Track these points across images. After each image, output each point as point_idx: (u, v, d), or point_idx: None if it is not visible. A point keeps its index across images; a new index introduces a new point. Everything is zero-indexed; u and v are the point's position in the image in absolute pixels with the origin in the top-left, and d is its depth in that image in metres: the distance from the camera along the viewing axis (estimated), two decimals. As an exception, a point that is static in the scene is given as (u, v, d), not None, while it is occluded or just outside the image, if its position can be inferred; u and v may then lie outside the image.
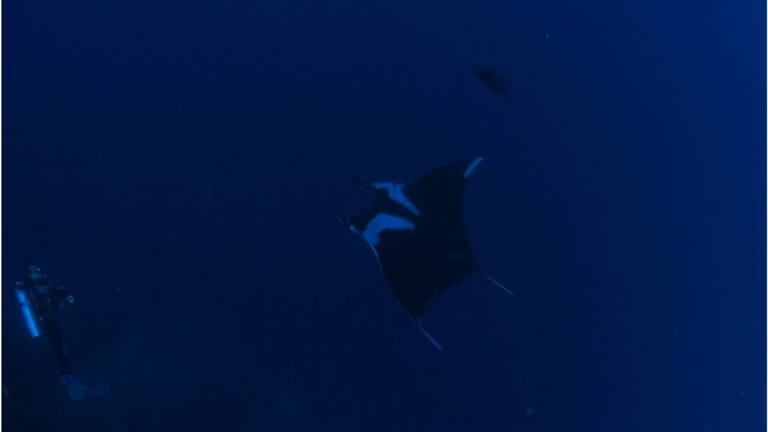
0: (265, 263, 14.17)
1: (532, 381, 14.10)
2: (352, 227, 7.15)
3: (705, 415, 15.41)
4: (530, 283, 13.64)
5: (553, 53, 18.62)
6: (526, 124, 17.21)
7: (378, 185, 7.38)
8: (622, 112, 19.04)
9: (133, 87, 16.43)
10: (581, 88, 18.63)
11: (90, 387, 9.47)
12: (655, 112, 19.66)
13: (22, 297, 8.91)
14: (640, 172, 18.20)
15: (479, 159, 7.42)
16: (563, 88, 18.28)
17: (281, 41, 17.88)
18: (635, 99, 19.49)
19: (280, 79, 16.89)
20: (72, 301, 9.04)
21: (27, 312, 8.93)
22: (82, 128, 15.86)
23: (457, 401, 13.55)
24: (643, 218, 17.54)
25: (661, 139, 19.31)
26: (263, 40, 17.80)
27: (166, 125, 16.01)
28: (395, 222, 7.15)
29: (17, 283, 8.97)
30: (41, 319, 8.92)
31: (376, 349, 13.74)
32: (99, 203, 14.85)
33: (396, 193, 7.31)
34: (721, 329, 16.78)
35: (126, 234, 14.53)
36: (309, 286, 13.78)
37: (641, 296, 16.21)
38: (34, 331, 8.90)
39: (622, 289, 16.07)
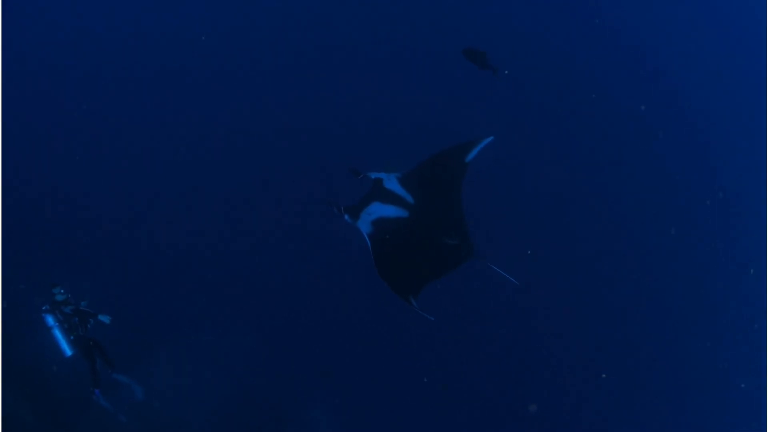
0: (293, 280, 14.28)
1: (534, 378, 13.97)
2: (346, 216, 7.29)
3: (709, 413, 15.05)
4: (533, 276, 13.46)
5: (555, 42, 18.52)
6: (529, 108, 17.14)
7: (373, 175, 7.46)
8: (638, 101, 18.64)
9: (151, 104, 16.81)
10: (587, 73, 18.49)
11: (112, 406, 9.31)
12: (675, 103, 19.29)
13: (50, 320, 8.99)
14: (647, 160, 17.89)
15: (489, 138, 7.31)
16: (566, 73, 18.14)
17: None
18: (652, 89, 19.08)
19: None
20: (108, 321, 8.93)
21: (57, 333, 9.03)
22: (115, 155, 16.27)
23: (458, 398, 13.48)
24: (648, 209, 17.14)
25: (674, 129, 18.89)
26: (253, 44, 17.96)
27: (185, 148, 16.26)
28: (388, 210, 7.25)
29: (43, 308, 9.04)
30: (72, 337, 8.97)
31: (401, 358, 13.75)
32: (128, 228, 15.11)
33: (390, 181, 7.37)
34: (728, 327, 16.42)
35: (157, 258, 14.69)
36: (337, 300, 13.79)
37: (646, 292, 15.92)
38: (67, 351, 8.99)
39: (626, 284, 15.76)
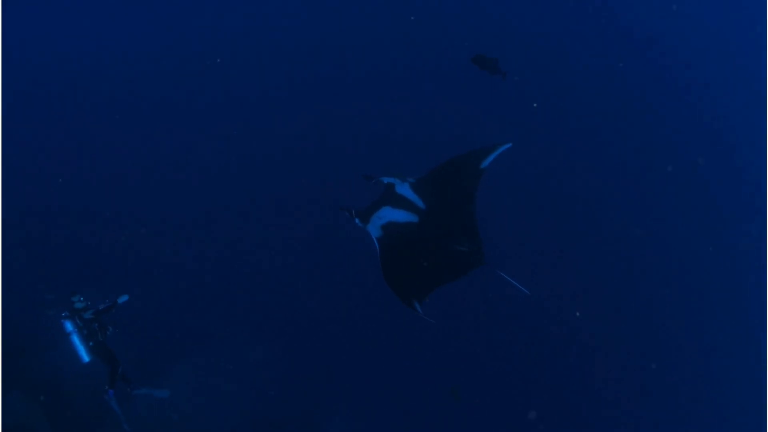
0: (311, 293, 14.26)
1: (534, 385, 13.77)
2: (356, 220, 7.29)
3: (710, 418, 14.82)
4: (537, 283, 13.19)
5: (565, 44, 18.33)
6: (543, 115, 16.95)
7: (386, 180, 7.43)
8: (648, 102, 18.59)
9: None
10: (597, 79, 18.36)
11: (122, 410, 9.23)
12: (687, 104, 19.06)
13: (69, 326, 8.93)
14: (656, 168, 17.54)
15: (507, 145, 7.19)
16: (576, 81, 18.02)
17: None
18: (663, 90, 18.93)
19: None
20: (126, 299, 8.97)
21: (75, 339, 8.94)
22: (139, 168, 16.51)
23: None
24: (656, 221, 16.90)
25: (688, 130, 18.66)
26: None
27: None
28: (398, 215, 7.27)
29: (63, 314, 8.99)
30: (91, 344, 8.90)
31: (414, 367, 13.64)
32: (149, 242, 15.22)
33: (403, 187, 7.36)
34: (730, 334, 16.02)
35: (179, 271, 14.78)
36: (355, 311, 13.72)
37: (648, 299, 15.65)
38: (85, 357, 8.89)
39: (627, 291, 15.56)
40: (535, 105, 11.45)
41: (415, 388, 13.22)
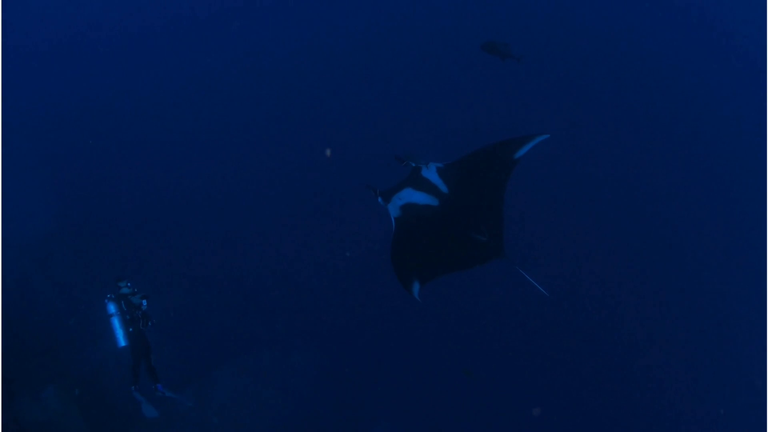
0: (354, 298, 14.00)
1: (538, 382, 13.31)
2: (379, 199, 7.42)
3: (715, 417, 14.11)
4: (552, 281, 12.84)
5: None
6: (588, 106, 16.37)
7: (415, 163, 7.53)
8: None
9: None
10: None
11: (149, 406, 8.90)
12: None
13: (112, 308, 8.72)
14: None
15: (544, 136, 7.15)
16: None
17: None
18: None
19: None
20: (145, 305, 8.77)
21: (116, 322, 8.71)
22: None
23: (462, 401, 12.96)
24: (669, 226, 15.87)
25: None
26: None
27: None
28: (419, 197, 7.33)
29: (108, 296, 8.79)
30: (131, 330, 8.67)
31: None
32: (192, 248, 15.23)
33: (429, 170, 7.45)
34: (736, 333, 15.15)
35: (220, 277, 14.70)
36: (398, 318, 13.26)
37: (656, 299, 14.96)
38: (121, 341, 8.64)
39: (634, 292, 14.82)
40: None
41: (451, 389, 12.83)
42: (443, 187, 7.30)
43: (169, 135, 17.38)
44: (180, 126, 17.69)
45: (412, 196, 7.30)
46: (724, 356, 14.63)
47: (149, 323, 8.87)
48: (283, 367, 12.96)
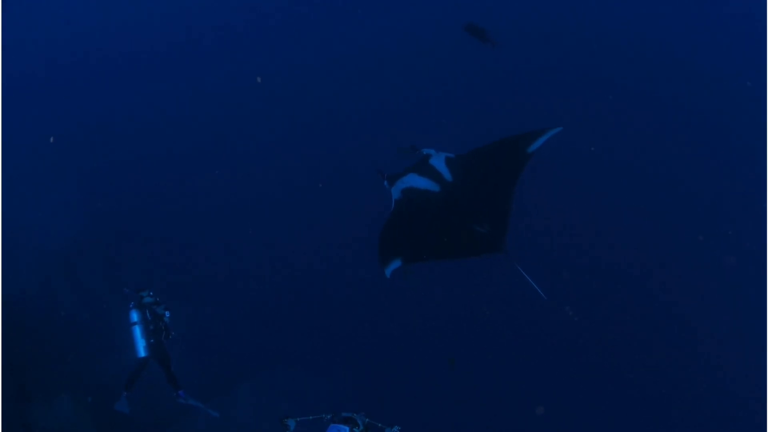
0: (378, 316, 13.65)
1: (542, 380, 12.99)
2: (385, 182, 7.67)
3: (719, 416, 13.51)
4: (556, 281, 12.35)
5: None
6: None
7: (425, 150, 7.74)
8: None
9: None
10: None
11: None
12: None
13: (135, 316, 8.43)
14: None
15: (557, 129, 7.19)
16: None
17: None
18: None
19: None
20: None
21: (137, 331, 8.40)
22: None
23: (465, 399, 12.73)
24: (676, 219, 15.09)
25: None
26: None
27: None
28: (421, 182, 7.49)
29: (131, 304, 8.54)
30: (152, 341, 8.34)
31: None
32: (220, 263, 15.10)
33: (438, 158, 7.62)
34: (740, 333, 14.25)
35: (242, 291, 14.52)
36: (423, 337, 13.07)
37: (660, 298, 14.28)
38: (141, 351, 8.31)
39: (638, 289, 14.22)
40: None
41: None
42: (448, 176, 7.42)
43: (199, 147, 17.38)
44: (209, 138, 17.68)
45: (414, 180, 7.50)
46: (729, 357, 13.86)
47: (171, 335, 8.57)
48: (307, 388, 12.57)
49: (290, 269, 14.97)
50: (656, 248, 14.50)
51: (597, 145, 14.95)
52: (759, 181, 15.17)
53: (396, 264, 7.08)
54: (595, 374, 13.10)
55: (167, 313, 8.59)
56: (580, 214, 14.13)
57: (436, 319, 13.20)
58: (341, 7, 19.57)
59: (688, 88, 16.66)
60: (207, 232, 15.51)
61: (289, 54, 19.20)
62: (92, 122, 17.67)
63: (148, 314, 8.39)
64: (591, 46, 17.00)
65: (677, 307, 14.00)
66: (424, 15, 18.46)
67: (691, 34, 17.85)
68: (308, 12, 19.85)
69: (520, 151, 7.19)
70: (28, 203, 14.35)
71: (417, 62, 17.53)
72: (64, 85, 18.52)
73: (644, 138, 15.63)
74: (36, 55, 19.61)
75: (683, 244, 14.63)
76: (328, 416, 4.78)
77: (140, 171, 16.76)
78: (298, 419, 4.98)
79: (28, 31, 20.07)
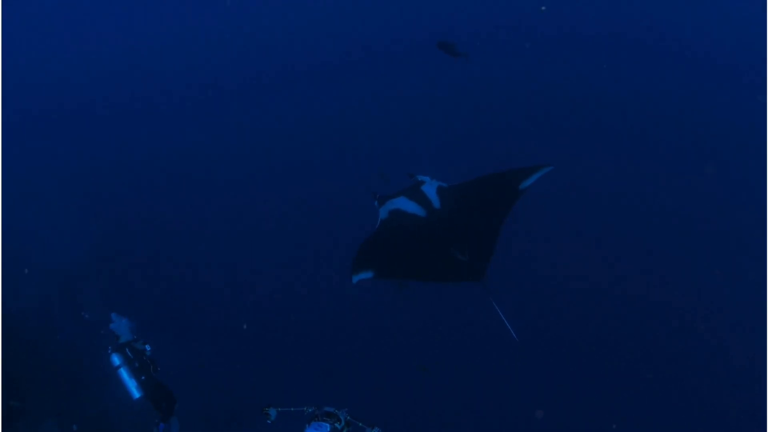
0: (392, 352, 13.41)
1: (541, 383, 12.97)
2: (375, 203, 7.89)
3: (717, 417, 13.25)
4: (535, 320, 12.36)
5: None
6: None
7: (420, 177, 8.00)
8: None
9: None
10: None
11: None
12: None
13: (116, 360, 7.90)
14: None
15: (549, 168, 7.36)
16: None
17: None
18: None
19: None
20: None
21: (124, 374, 7.89)
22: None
23: (464, 404, 12.72)
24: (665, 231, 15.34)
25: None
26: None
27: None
28: (408, 205, 7.71)
29: (108, 349, 8.03)
30: (143, 378, 7.87)
31: None
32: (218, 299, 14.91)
33: (430, 186, 7.85)
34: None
35: (244, 328, 14.11)
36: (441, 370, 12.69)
37: (659, 300, 14.35)
38: (135, 393, 7.81)
39: (636, 293, 14.31)
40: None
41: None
42: (436, 203, 7.66)
43: (208, 173, 17.53)
44: (211, 165, 17.94)
45: (403, 203, 7.72)
46: (727, 366, 13.77)
47: (158, 369, 8.10)
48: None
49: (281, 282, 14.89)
50: (646, 289, 14.36)
51: (590, 182, 15.32)
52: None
53: (367, 275, 7.26)
54: (594, 377, 12.98)
55: (147, 347, 8.17)
56: (568, 252, 14.22)
57: (437, 320, 13.12)
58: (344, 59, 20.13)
59: (677, 133, 17.16)
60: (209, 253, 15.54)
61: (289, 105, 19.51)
62: (102, 152, 17.92)
63: (129, 352, 7.96)
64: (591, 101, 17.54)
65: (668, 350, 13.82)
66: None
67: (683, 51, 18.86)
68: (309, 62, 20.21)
69: (512, 187, 7.42)
70: (34, 223, 14.33)
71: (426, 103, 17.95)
72: (73, 112, 18.87)
73: (633, 178, 16.00)
74: (48, 79, 20.03)
75: (670, 288, 14.54)
76: (311, 409, 4.57)
77: (147, 196, 16.92)
78: (280, 409, 4.82)
79: (44, 59, 20.55)
